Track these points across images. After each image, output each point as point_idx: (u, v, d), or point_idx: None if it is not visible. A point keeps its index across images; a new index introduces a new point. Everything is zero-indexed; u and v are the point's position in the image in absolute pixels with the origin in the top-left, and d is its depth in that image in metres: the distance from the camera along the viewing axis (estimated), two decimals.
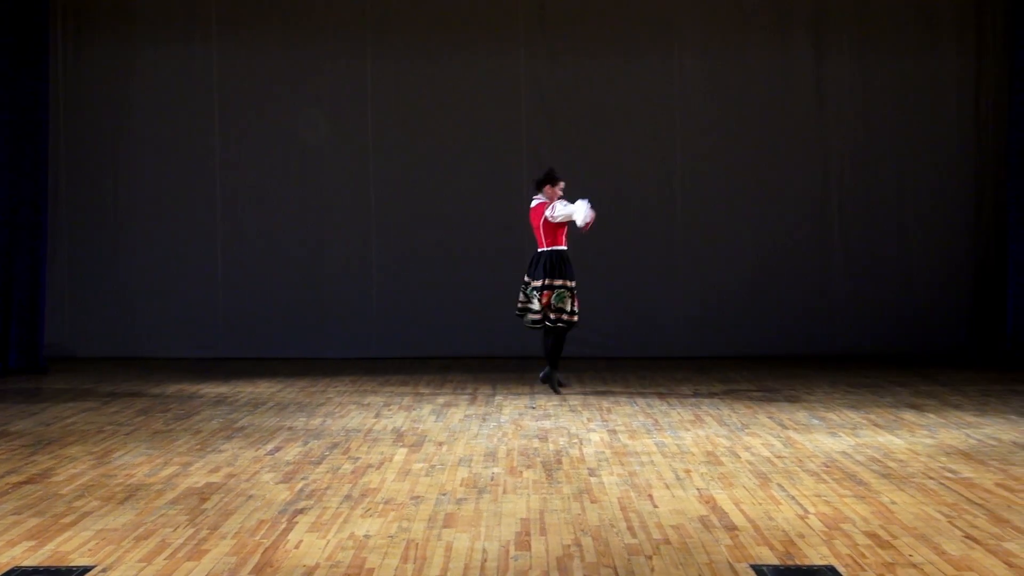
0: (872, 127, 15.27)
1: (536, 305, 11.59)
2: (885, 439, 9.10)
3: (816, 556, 5.80)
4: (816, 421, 10.00)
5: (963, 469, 7.91)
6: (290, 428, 9.76)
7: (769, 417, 10.24)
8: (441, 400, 11.44)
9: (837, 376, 13.04)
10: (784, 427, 9.69)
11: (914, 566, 5.61)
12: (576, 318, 11.67)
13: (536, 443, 9.02)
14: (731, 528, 6.36)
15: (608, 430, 9.61)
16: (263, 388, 12.37)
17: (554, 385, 11.86)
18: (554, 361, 11.88)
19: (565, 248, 11.68)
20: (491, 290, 15.25)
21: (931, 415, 10.28)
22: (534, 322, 11.68)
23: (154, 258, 15.45)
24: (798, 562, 5.71)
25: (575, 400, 11.39)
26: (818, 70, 15.29)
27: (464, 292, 15.28)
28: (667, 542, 6.09)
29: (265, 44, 15.41)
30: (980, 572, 5.50)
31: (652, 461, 8.27)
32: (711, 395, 11.68)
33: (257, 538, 6.19)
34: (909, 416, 10.23)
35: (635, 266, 15.31)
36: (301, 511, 6.78)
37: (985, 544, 5.99)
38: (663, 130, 15.35)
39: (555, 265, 11.59)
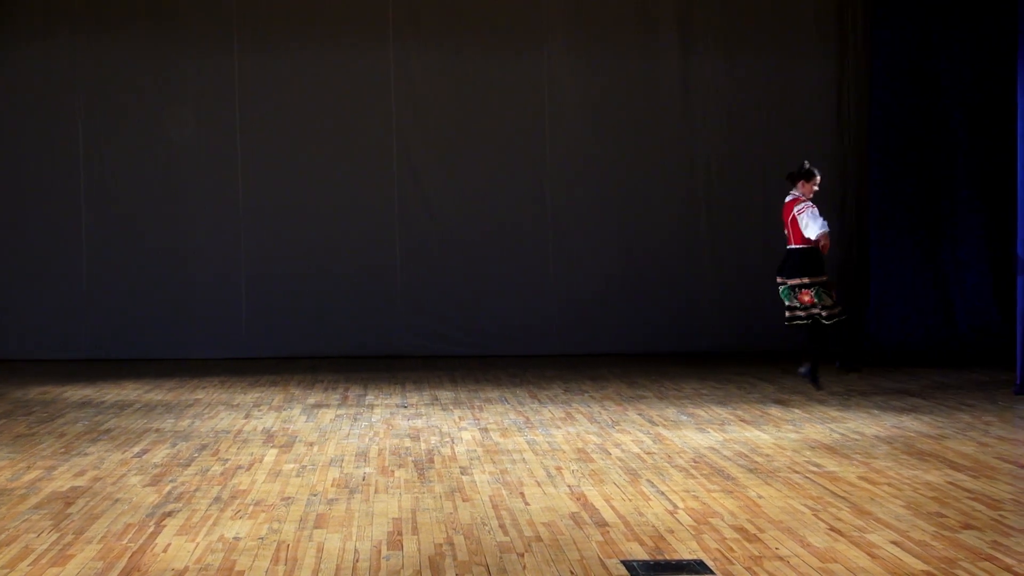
0: (738, 127, 15.48)
1: (795, 303, 11.07)
2: (752, 434, 9.24)
3: (685, 551, 5.87)
4: (685, 417, 10.13)
5: (827, 463, 8.06)
6: (158, 430, 9.62)
7: (639, 414, 10.34)
8: (311, 400, 11.37)
9: (705, 373, 13.21)
10: (653, 424, 9.80)
11: (780, 559, 5.71)
12: (839, 310, 11.15)
13: (408, 442, 9.01)
14: (602, 524, 6.41)
15: (480, 428, 9.63)
16: (130, 390, 12.18)
17: (816, 381, 11.34)
18: (816, 357, 11.28)
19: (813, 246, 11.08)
20: (361, 288, 15.20)
21: (796, 410, 10.46)
22: (794, 319, 11.15)
23: (15, 258, 15.09)
24: (668, 557, 5.77)
25: (447, 399, 11.39)
26: (685, 70, 15.45)
27: (334, 291, 15.18)
28: (539, 539, 6.12)
29: (130, 40, 15.12)
30: (844, 563, 5.62)
31: (523, 459, 8.31)
32: (582, 393, 11.76)
33: (124, 542, 6.10)
34: (775, 411, 10.41)
35: (506, 264, 15.34)
36: (169, 514, 6.69)
37: (849, 536, 6.11)
38: (533, 128, 15.39)
39: (806, 262, 11.06)
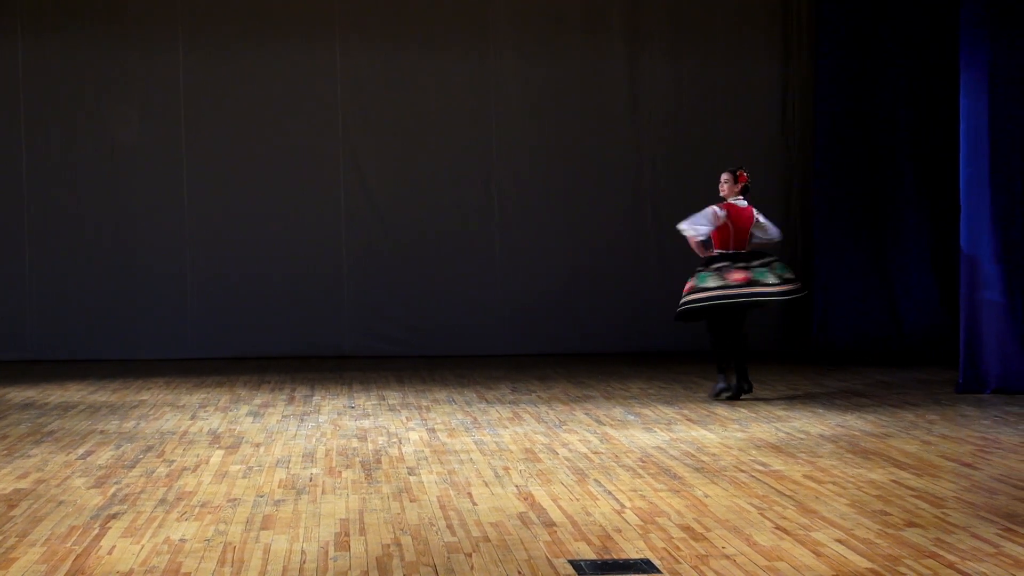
0: (684, 128, 15.53)
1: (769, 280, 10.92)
2: (698, 434, 9.28)
3: (632, 550, 5.89)
4: (632, 417, 10.16)
5: (773, 462, 8.12)
6: (102, 432, 9.54)
7: (586, 414, 10.36)
8: (258, 401, 11.31)
9: (652, 373, 13.26)
10: (601, 423, 9.82)
11: (727, 557, 5.74)
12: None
13: (355, 443, 8.99)
14: (549, 524, 6.42)
15: (427, 429, 9.62)
16: (73, 391, 12.07)
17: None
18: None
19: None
20: (308, 289, 15.14)
21: (742, 409, 10.52)
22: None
23: None
24: (615, 556, 5.79)
25: (394, 399, 11.37)
26: (631, 70, 15.50)
27: (280, 291, 15.11)
28: (486, 539, 6.12)
29: (74, 38, 14.95)
30: (790, 562, 5.66)
31: (471, 459, 8.31)
32: (529, 393, 11.77)
33: (68, 545, 6.04)
34: (721, 411, 10.46)
35: (453, 265, 15.33)
36: (114, 516, 6.64)
37: (794, 535, 6.15)
38: (480, 130, 15.39)
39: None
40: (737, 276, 11.00)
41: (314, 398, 11.50)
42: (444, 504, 6.91)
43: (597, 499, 7.01)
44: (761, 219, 11.29)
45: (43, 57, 14.96)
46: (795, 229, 15.57)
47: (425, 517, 6.60)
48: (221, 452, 8.60)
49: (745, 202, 11.25)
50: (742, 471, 7.80)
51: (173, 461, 8.27)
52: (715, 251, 11.24)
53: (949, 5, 13.21)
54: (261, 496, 7.14)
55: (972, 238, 11.59)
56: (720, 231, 11.16)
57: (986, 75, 11.48)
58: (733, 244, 11.17)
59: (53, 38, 14.97)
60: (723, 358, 11.28)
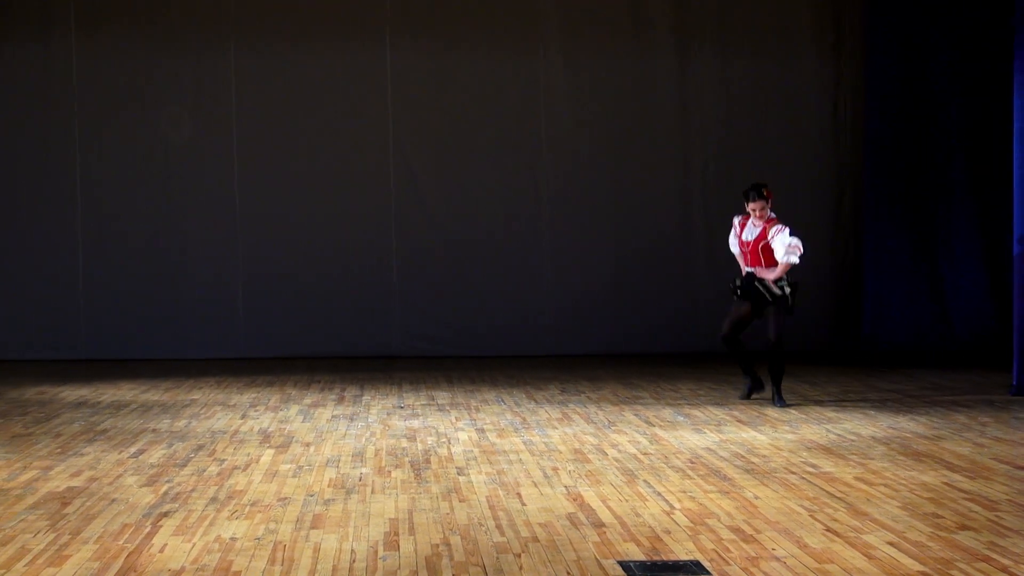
0: (734, 130, 15.47)
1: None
2: (748, 435, 9.25)
3: (682, 551, 5.88)
4: (681, 418, 10.13)
5: (823, 464, 8.07)
6: (154, 430, 9.61)
7: (635, 414, 10.34)
8: (308, 400, 11.36)
9: (701, 374, 13.22)
10: (650, 424, 9.80)
11: (777, 559, 5.71)
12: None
13: (404, 443, 9.01)
14: (598, 525, 6.41)
15: (476, 429, 9.63)
16: (126, 390, 12.17)
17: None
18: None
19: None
20: (357, 289, 15.19)
21: (792, 411, 10.47)
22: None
23: (11, 258, 15.07)
24: (664, 557, 5.78)
25: (443, 399, 11.39)
26: (680, 72, 15.45)
27: (331, 291, 15.17)
28: (535, 540, 6.12)
29: (125, 41, 15.07)
30: (840, 564, 5.62)
31: (520, 459, 8.31)
32: (578, 393, 11.76)
33: (120, 542, 6.09)
34: (771, 412, 10.41)
35: (502, 265, 15.34)
36: (166, 514, 6.69)
37: (845, 537, 6.12)
38: (529, 130, 15.39)
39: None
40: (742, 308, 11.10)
41: (364, 398, 11.54)
42: (493, 504, 6.92)
43: (646, 500, 6.99)
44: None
45: (96, 59, 15.08)
46: (846, 230, 15.50)
47: (474, 517, 6.61)
48: (271, 451, 8.65)
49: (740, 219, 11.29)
50: (792, 473, 7.76)
51: (224, 460, 8.32)
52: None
53: (1001, 4, 13.10)
54: (311, 495, 7.17)
55: None
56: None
57: None
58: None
59: (106, 40, 15.10)
60: (742, 360, 11.21)
